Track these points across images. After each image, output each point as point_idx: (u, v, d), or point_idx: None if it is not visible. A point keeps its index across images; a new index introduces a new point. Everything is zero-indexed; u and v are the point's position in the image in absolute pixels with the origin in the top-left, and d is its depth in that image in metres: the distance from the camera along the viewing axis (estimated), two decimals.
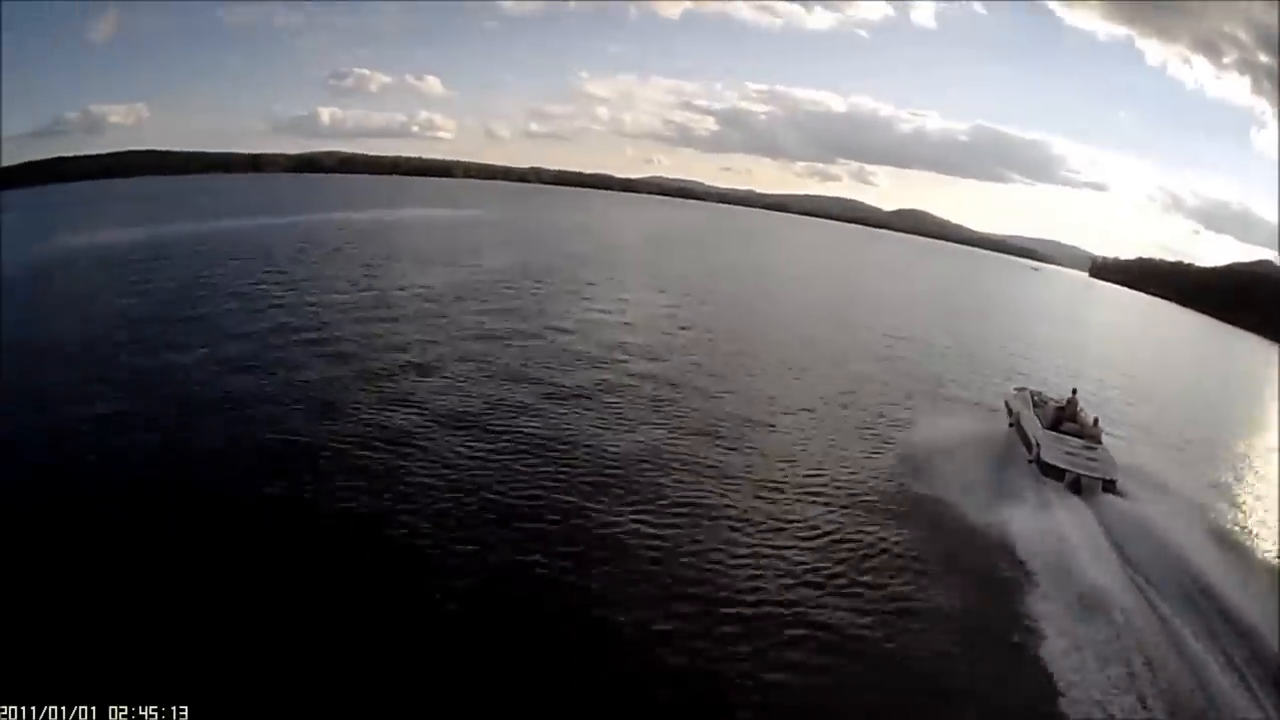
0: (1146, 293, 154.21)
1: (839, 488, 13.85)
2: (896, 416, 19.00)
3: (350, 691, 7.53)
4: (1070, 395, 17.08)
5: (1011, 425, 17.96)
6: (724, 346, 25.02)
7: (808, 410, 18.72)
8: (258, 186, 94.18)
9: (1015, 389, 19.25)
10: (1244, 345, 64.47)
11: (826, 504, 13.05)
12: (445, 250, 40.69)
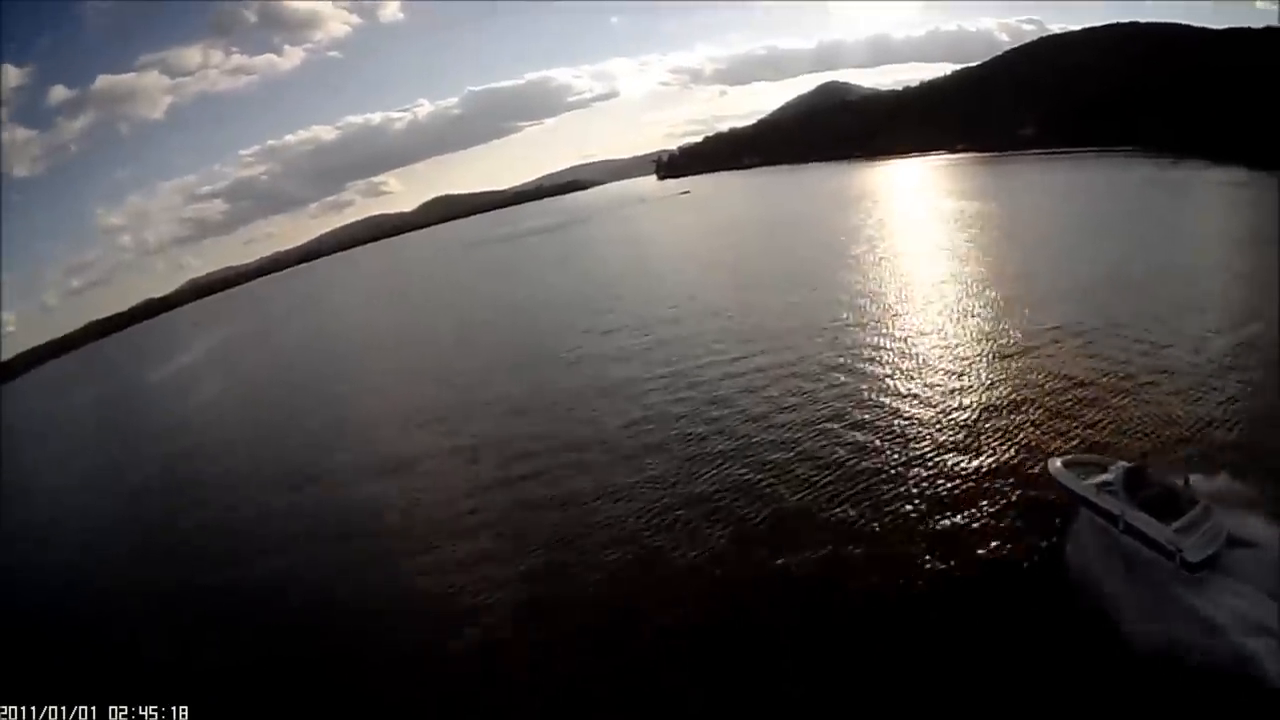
0: (736, 168, 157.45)
1: None
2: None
3: None
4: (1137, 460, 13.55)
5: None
6: None
7: None
8: None
9: (1061, 463, 14.52)
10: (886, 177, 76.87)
11: None
12: None
